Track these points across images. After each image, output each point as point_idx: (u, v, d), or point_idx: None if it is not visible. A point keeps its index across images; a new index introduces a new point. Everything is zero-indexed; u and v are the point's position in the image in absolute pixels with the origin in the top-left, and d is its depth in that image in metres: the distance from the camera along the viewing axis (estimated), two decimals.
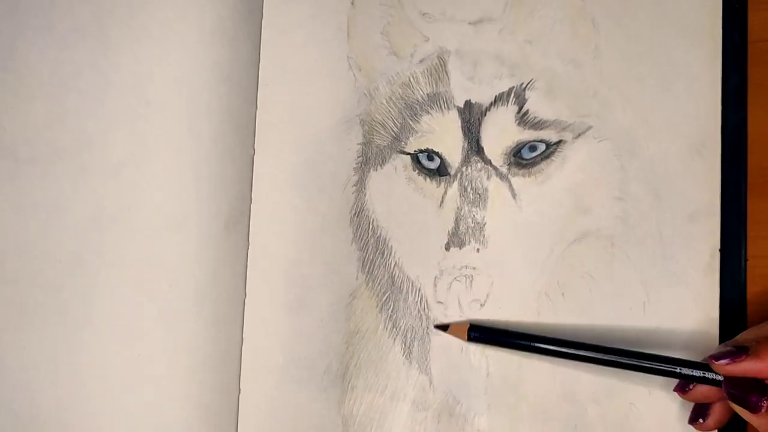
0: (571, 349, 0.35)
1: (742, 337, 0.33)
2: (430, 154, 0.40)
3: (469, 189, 0.39)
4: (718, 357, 0.32)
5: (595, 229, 0.38)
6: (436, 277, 0.39)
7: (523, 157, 0.39)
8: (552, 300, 0.38)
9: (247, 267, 0.41)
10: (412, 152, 0.40)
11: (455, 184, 0.39)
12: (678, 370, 0.33)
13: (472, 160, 0.39)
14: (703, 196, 0.37)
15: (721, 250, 0.37)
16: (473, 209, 0.39)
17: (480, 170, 0.39)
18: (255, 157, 0.41)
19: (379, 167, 0.40)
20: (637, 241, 0.37)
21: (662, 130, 0.38)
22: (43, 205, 0.40)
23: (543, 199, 0.39)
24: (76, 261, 0.39)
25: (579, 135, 0.38)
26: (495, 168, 0.39)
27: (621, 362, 0.34)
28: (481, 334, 0.37)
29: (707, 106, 0.37)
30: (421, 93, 0.40)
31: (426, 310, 0.39)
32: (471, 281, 0.39)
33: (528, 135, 0.39)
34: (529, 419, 0.38)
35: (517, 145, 0.39)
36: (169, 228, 0.39)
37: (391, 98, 0.40)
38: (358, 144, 0.41)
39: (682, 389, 0.34)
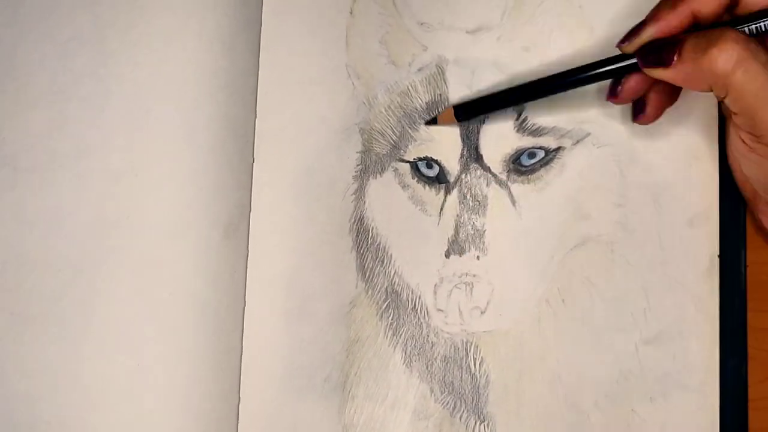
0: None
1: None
2: (429, 162, 0.40)
3: (468, 196, 0.39)
4: (622, 39, 0.34)
5: (595, 235, 0.38)
6: (436, 285, 0.39)
7: (522, 164, 0.39)
8: (552, 306, 0.38)
9: (246, 275, 0.41)
10: (411, 160, 0.40)
11: (455, 192, 0.39)
12: (599, 72, 0.34)
13: (471, 167, 0.39)
14: (702, 202, 0.37)
15: (720, 256, 0.37)
16: (473, 216, 0.39)
17: (479, 177, 0.39)
18: (254, 165, 0.41)
19: (378, 175, 0.41)
20: (637, 247, 0.37)
21: (661, 135, 0.38)
22: (42, 214, 0.40)
23: (542, 205, 0.39)
24: (75, 269, 0.39)
25: (578, 141, 0.38)
26: (494, 175, 0.39)
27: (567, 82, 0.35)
28: (467, 108, 0.38)
29: (705, 112, 0.37)
30: (420, 101, 0.40)
31: (426, 318, 0.39)
32: (471, 289, 0.39)
33: (527, 142, 0.39)
34: (531, 427, 0.38)
35: (516, 152, 0.39)
36: (168, 236, 0.39)
37: (389, 107, 0.41)
38: (357, 152, 0.41)
39: (613, 95, 0.35)
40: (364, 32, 0.41)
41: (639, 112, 0.36)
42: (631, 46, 0.33)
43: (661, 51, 0.32)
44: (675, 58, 0.31)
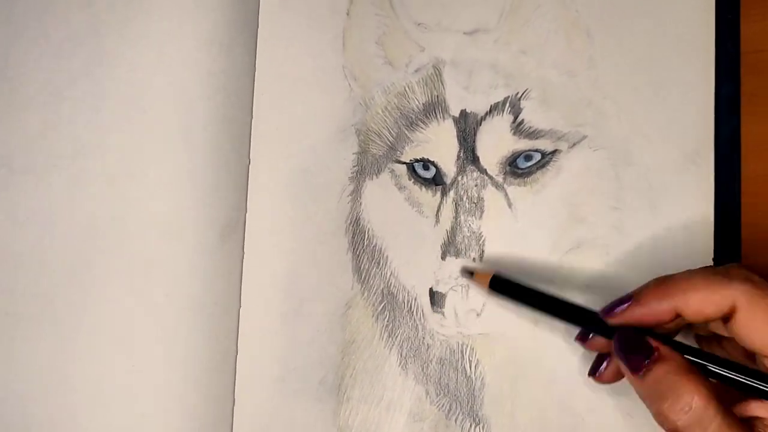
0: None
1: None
2: (426, 164, 0.40)
3: (464, 198, 0.39)
4: (606, 308, 0.32)
5: (591, 238, 0.38)
6: (432, 287, 0.39)
7: (518, 167, 0.39)
8: None
9: (242, 277, 0.41)
10: (408, 161, 0.40)
11: (451, 194, 0.39)
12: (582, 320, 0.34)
13: (467, 169, 0.39)
14: (698, 205, 0.37)
15: (715, 260, 0.37)
16: (469, 218, 0.39)
17: (475, 179, 0.39)
18: (250, 166, 0.41)
19: (374, 176, 0.40)
20: (632, 251, 0.37)
21: (657, 139, 0.38)
22: (37, 214, 0.39)
23: (538, 208, 0.39)
24: (70, 270, 0.39)
25: (574, 144, 0.38)
26: (490, 177, 0.39)
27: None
28: (502, 286, 0.36)
29: (701, 116, 0.37)
30: (417, 102, 0.40)
31: (422, 320, 0.39)
32: (467, 291, 0.39)
33: (523, 144, 0.39)
34: (526, 429, 0.38)
35: (512, 155, 0.39)
36: (164, 237, 0.39)
37: (386, 108, 0.41)
38: (353, 153, 0.41)
39: (582, 338, 0.34)
40: (360, 33, 0.41)
41: (597, 369, 0.34)
42: (614, 321, 0.32)
43: (634, 351, 0.30)
44: (643, 372, 0.30)
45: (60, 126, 0.40)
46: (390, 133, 0.40)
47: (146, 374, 0.39)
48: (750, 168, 0.37)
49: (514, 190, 0.39)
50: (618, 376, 0.33)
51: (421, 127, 0.40)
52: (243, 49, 0.41)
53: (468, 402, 0.38)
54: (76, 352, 0.39)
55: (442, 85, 0.40)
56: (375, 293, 0.40)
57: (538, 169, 0.39)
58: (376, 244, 0.40)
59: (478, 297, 0.39)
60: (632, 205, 0.38)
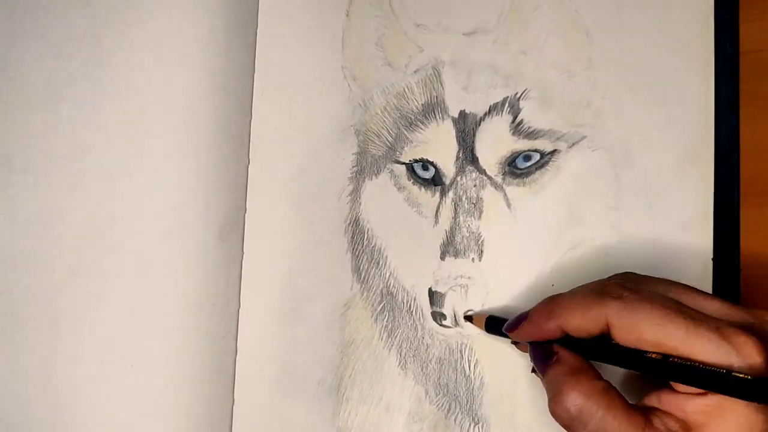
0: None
1: (569, 292, 0.34)
2: (425, 164, 0.40)
3: (464, 199, 0.39)
4: (508, 325, 0.35)
5: (590, 238, 0.38)
6: (431, 287, 0.39)
7: (517, 167, 0.39)
8: None
9: (241, 277, 0.41)
10: (407, 162, 0.40)
11: (450, 194, 0.39)
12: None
13: (466, 169, 0.39)
14: (697, 205, 0.37)
15: (714, 260, 0.37)
16: (468, 219, 0.39)
17: (475, 180, 0.39)
18: (249, 166, 0.41)
19: (373, 177, 0.40)
20: (631, 251, 0.37)
21: (656, 139, 0.38)
22: (36, 214, 0.39)
23: (537, 208, 0.39)
24: (69, 270, 0.39)
25: (573, 144, 0.38)
26: (490, 177, 0.39)
27: None
28: (497, 325, 0.37)
29: (700, 116, 0.37)
30: (416, 103, 0.40)
31: (421, 320, 0.39)
32: (466, 291, 0.39)
33: (522, 145, 0.39)
34: (525, 429, 0.38)
35: (511, 155, 0.39)
36: (163, 237, 0.39)
37: (385, 108, 0.41)
38: (352, 154, 0.41)
39: (534, 371, 0.36)
40: (360, 34, 0.41)
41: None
42: (513, 337, 0.35)
43: (540, 358, 0.33)
44: (544, 374, 0.32)
45: (59, 126, 0.40)
46: (389, 133, 0.40)
47: (146, 374, 0.39)
48: (749, 168, 0.37)
49: (513, 190, 0.39)
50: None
51: (421, 128, 0.40)
52: (242, 50, 0.41)
53: (467, 402, 0.38)
54: (75, 352, 0.39)
55: (441, 85, 0.40)
56: (374, 293, 0.40)
57: (537, 169, 0.39)
58: (375, 244, 0.40)
59: (477, 297, 0.39)
60: (631, 205, 0.38)
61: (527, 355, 0.37)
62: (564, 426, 0.30)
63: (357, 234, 0.40)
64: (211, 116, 0.40)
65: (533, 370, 0.36)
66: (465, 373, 0.39)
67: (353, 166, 0.41)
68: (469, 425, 0.38)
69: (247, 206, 0.41)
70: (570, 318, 0.31)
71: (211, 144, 0.40)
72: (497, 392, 0.38)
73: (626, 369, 0.31)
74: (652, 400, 0.30)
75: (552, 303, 0.32)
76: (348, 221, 0.41)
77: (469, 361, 0.39)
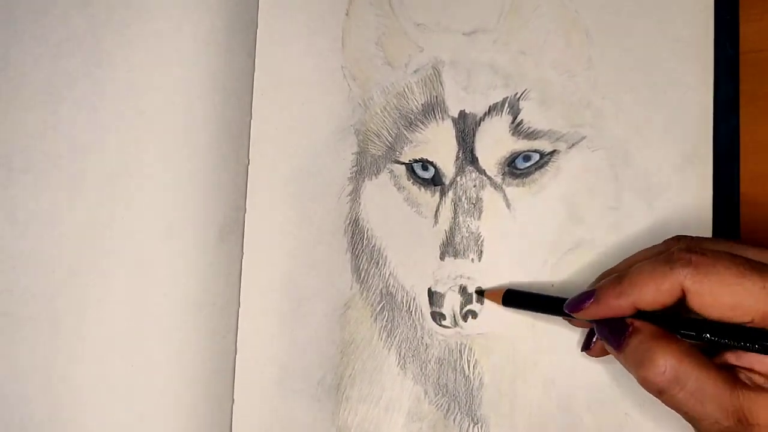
0: None
1: (624, 263, 0.34)
2: (425, 164, 0.40)
3: (463, 199, 0.39)
4: (571, 304, 0.34)
5: (590, 238, 0.38)
6: (430, 287, 0.39)
7: (517, 167, 0.39)
8: None
9: (241, 277, 0.41)
10: (407, 162, 0.40)
11: (450, 194, 0.39)
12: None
13: (466, 169, 0.39)
14: (696, 205, 0.37)
15: None
16: (468, 219, 0.39)
17: (474, 180, 0.39)
18: (249, 166, 0.41)
19: (373, 177, 0.40)
20: (631, 251, 0.37)
21: (655, 139, 0.38)
22: (36, 214, 0.40)
23: (537, 208, 0.39)
24: (69, 270, 0.39)
25: (573, 145, 0.38)
26: (489, 178, 0.39)
27: None
28: (516, 298, 0.37)
29: (700, 116, 0.37)
30: (416, 103, 0.40)
31: (421, 320, 0.39)
32: (466, 291, 0.39)
33: (522, 145, 0.39)
34: (524, 429, 0.38)
35: (511, 155, 0.39)
36: (163, 237, 0.39)
37: (385, 108, 0.41)
38: (352, 154, 0.41)
39: (586, 347, 0.36)
40: (360, 33, 0.41)
41: (587, 344, 0.36)
42: (579, 317, 0.34)
43: (611, 333, 0.32)
44: (622, 347, 0.32)
45: (59, 126, 0.40)
46: (389, 133, 0.40)
47: (145, 374, 0.39)
48: (749, 168, 0.37)
49: (513, 190, 0.39)
50: (605, 351, 0.35)
51: (420, 128, 0.40)
52: (242, 50, 0.41)
53: (466, 402, 0.38)
54: (75, 352, 0.39)
55: (441, 85, 0.40)
56: (374, 293, 0.40)
57: (536, 169, 0.39)
58: (375, 244, 0.40)
59: (477, 297, 0.39)
60: (631, 205, 0.38)
61: (526, 355, 0.37)
62: (659, 392, 0.30)
63: (356, 234, 0.40)
64: (210, 116, 0.40)
65: (584, 348, 0.36)
66: (464, 373, 0.39)
67: (353, 166, 0.41)
68: (468, 425, 0.38)
69: (246, 206, 0.41)
70: (643, 293, 0.30)
71: (211, 144, 0.40)
72: (496, 392, 0.38)
73: (705, 341, 0.31)
74: (731, 358, 0.30)
75: (622, 281, 0.31)
76: (348, 221, 0.41)
77: (468, 361, 0.39)
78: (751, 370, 0.29)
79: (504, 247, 0.39)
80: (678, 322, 0.31)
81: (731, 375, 0.29)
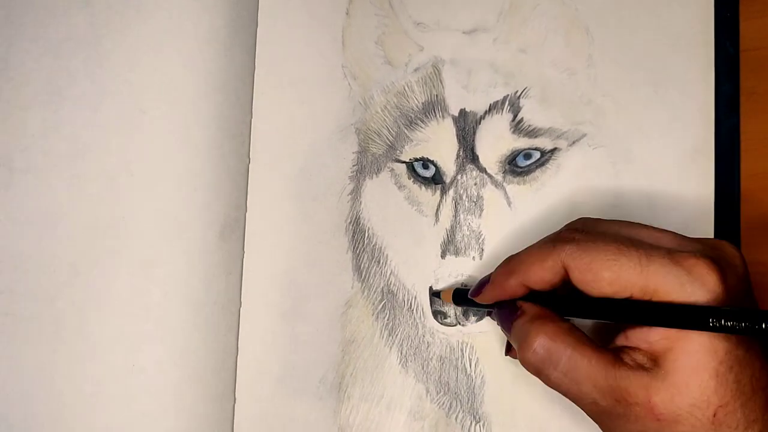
0: None
1: (521, 252, 0.35)
2: (426, 163, 0.40)
3: (464, 197, 0.39)
4: (473, 290, 0.35)
5: None
6: (432, 285, 0.39)
7: (518, 165, 0.39)
8: None
9: (242, 276, 0.41)
10: (408, 161, 0.40)
11: (450, 192, 0.39)
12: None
13: (467, 168, 0.39)
14: (697, 203, 0.37)
15: None
16: (469, 217, 0.39)
17: (475, 178, 0.39)
18: (250, 166, 0.41)
19: (374, 176, 0.40)
20: None
21: (656, 137, 0.38)
22: (37, 214, 0.39)
23: (538, 206, 0.39)
24: (71, 270, 0.39)
25: (573, 142, 0.38)
26: (490, 176, 0.39)
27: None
28: (462, 297, 0.37)
29: (701, 113, 0.37)
30: (416, 102, 0.40)
31: (422, 319, 0.39)
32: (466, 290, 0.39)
33: (523, 143, 0.39)
34: (526, 427, 0.38)
35: (512, 153, 0.39)
36: (164, 237, 0.39)
37: (386, 107, 0.41)
38: (353, 153, 0.41)
39: (507, 351, 0.38)
40: (360, 32, 0.41)
41: (510, 347, 0.37)
42: (478, 300, 0.35)
43: (504, 317, 0.33)
44: (510, 329, 0.32)
45: (60, 126, 0.40)
46: (389, 132, 0.40)
47: (146, 374, 0.39)
48: (749, 165, 0.37)
49: (514, 188, 0.39)
50: None
51: (421, 126, 0.40)
52: (242, 49, 0.41)
53: (468, 400, 0.38)
54: (76, 352, 0.39)
55: (442, 84, 0.40)
56: (375, 292, 0.40)
57: (537, 167, 0.39)
58: (375, 243, 0.40)
59: None
60: (632, 202, 0.38)
61: None
62: (536, 371, 0.31)
63: (357, 233, 0.40)
64: (211, 116, 0.40)
65: (507, 351, 0.37)
66: (466, 372, 0.39)
67: (354, 165, 0.41)
68: (471, 423, 0.38)
69: (247, 205, 0.41)
70: (529, 271, 0.31)
71: (212, 143, 0.40)
72: (498, 390, 0.38)
73: (589, 318, 0.32)
74: (620, 340, 0.30)
75: (511, 261, 0.32)
76: (348, 220, 0.41)
77: (470, 360, 0.39)
78: (636, 349, 0.29)
79: (505, 245, 0.39)
80: (564, 303, 0.31)
81: (611, 355, 0.29)
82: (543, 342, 0.30)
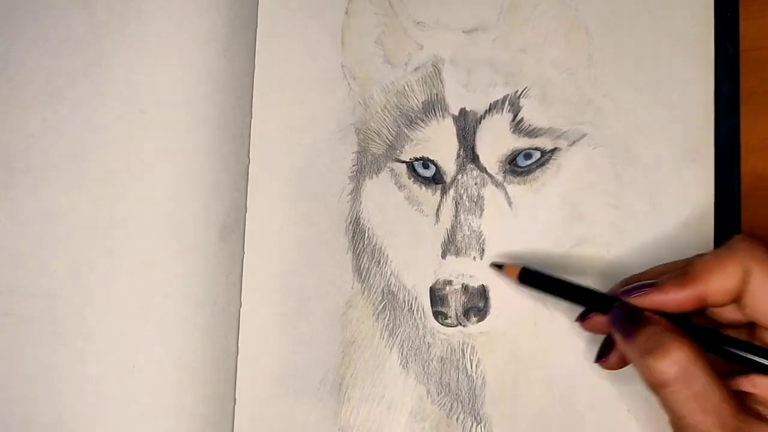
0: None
1: (648, 272, 0.33)
2: (426, 162, 0.40)
3: (464, 197, 0.39)
4: (629, 290, 0.32)
5: (591, 236, 0.38)
6: (432, 286, 0.39)
7: (518, 165, 0.39)
8: (548, 308, 0.38)
9: (242, 276, 0.41)
10: (408, 160, 0.40)
11: (451, 192, 0.39)
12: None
13: (467, 167, 0.39)
14: (697, 203, 0.37)
15: None
16: (469, 217, 0.39)
17: (475, 178, 0.39)
18: (250, 166, 0.41)
19: (374, 176, 0.40)
20: (632, 248, 0.37)
21: (656, 137, 0.38)
22: (37, 215, 0.39)
23: (538, 206, 0.39)
24: (70, 270, 0.39)
25: (574, 142, 0.38)
26: (490, 176, 0.39)
27: None
28: (531, 277, 0.36)
29: (700, 114, 0.37)
30: (416, 101, 0.40)
31: (423, 319, 0.39)
32: (468, 289, 0.39)
33: (523, 143, 0.39)
34: (527, 428, 0.38)
35: (512, 153, 0.39)
36: (164, 237, 0.39)
37: (386, 106, 0.41)
38: (353, 152, 0.41)
39: (581, 318, 0.35)
40: (359, 32, 0.41)
41: (603, 355, 0.35)
42: (638, 303, 0.32)
43: (626, 319, 0.31)
44: (634, 334, 0.30)
45: (59, 126, 0.40)
46: (389, 131, 0.40)
47: (146, 374, 0.39)
48: (749, 165, 0.37)
49: (514, 188, 0.39)
50: (622, 362, 0.34)
51: (421, 126, 0.40)
52: (242, 49, 0.41)
53: (469, 401, 0.38)
54: (77, 352, 0.39)
55: (442, 83, 0.40)
56: (375, 292, 0.40)
57: (537, 167, 0.39)
58: (376, 243, 0.40)
59: (479, 296, 0.38)
60: (632, 202, 0.38)
61: (528, 354, 0.37)
62: (662, 385, 0.29)
63: (358, 233, 0.40)
64: (211, 116, 0.40)
65: (598, 359, 0.35)
66: (467, 372, 0.39)
67: (353, 165, 0.41)
68: (471, 424, 0.38)
69: (247, 206, 0.41)
70: (709, 281, 0.29)
71: (212, 144, 0.40)
72: (499, 391, 0.38)
73: (728, 359, 0.30)
74: (745, 385, 0.29)
75: (687, 272, 0.30)
76: (348, 220, 0.41)
77: (471, 360, 0.39)
78: (761, 401, 0.28)
79: (506, 245, 0.39)
80: (697, 330, 0.30)
81: (739, 397, 0.28)
82: (683, 357, 0.28)
